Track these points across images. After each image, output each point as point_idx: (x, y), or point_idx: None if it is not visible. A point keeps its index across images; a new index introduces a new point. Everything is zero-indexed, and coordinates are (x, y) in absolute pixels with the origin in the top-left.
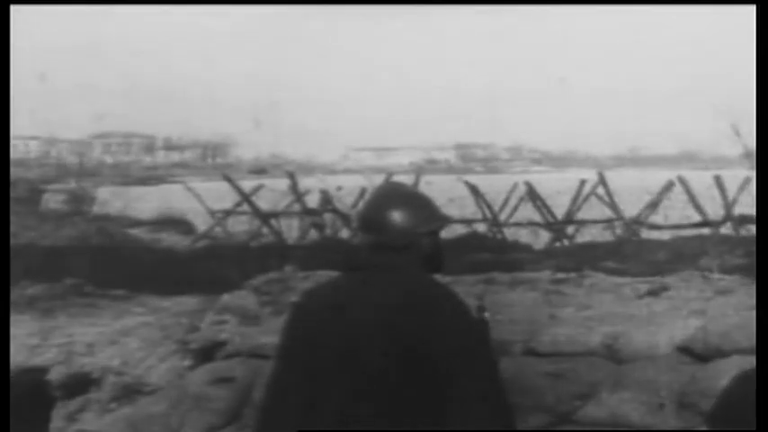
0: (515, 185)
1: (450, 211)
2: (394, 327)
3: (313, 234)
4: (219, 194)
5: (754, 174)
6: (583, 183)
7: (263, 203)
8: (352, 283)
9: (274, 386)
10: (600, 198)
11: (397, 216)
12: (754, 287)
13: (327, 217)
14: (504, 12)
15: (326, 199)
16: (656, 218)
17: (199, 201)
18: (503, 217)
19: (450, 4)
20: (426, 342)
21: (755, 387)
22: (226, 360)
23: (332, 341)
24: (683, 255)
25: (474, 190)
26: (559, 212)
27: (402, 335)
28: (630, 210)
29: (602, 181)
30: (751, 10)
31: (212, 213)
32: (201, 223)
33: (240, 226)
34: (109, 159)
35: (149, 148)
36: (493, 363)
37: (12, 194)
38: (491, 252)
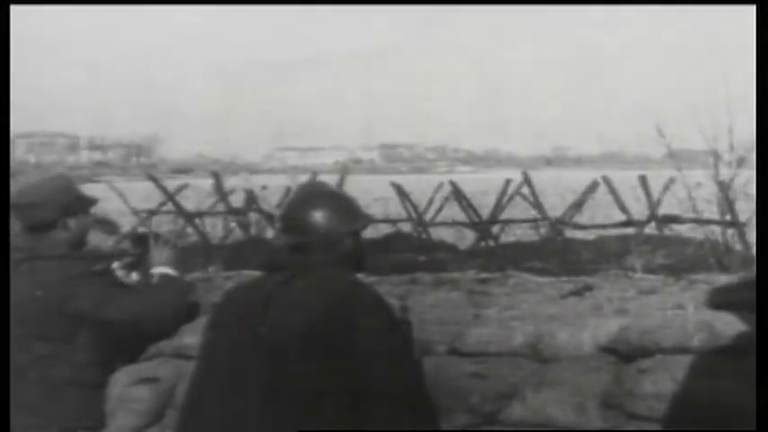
0: (440, 185)
1: (375, 210)
2: (316, 327)
3: (237, 234)
4: (144, 194)
5: (677, 174)
6: (508, 182)
7: (188, 203)
8: (275, 284)
9: (196, 386)
10: (525, 198)
11: (319, 216)
12: (677, 286)
13: (252, 217)
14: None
15: (251, 199)
16: (581, 218)
17: (123, 200)
18: (428, 217)
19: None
20: (349, 342)
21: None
22: (149, 361)
23: (254, 342)
24: (607, 254)
25: (399, 190)
26: (484, 212)
27: (324, 335)
28: (555, 210)
29: (527, 181)
30: (687, 15)
31: (137, 213)
32: (126, 223)
33: (165, 226)
34: (32, 159)
35: (73, 147)
36: (416, 363)
37: None
38: (416, 252)
